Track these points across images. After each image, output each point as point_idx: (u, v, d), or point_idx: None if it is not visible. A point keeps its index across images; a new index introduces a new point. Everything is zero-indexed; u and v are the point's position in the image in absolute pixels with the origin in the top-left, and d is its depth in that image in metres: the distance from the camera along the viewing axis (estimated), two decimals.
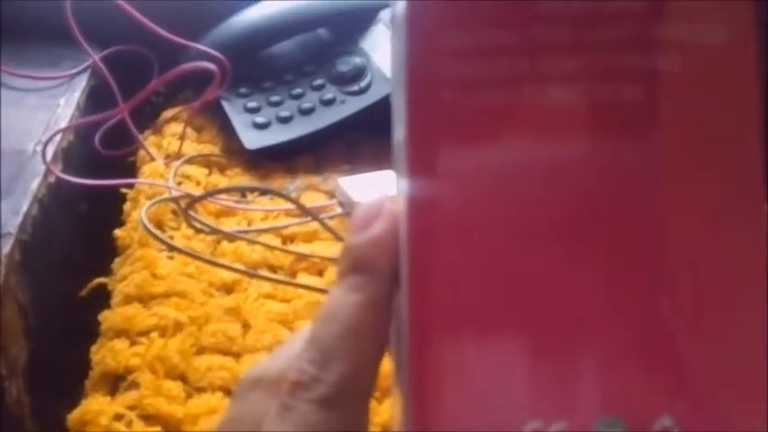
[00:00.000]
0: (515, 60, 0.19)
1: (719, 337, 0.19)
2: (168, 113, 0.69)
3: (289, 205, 0.57)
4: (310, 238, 0.56)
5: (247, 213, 0.58)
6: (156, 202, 0.56)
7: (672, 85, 0.19)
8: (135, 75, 0.69)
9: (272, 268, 0.53)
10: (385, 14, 0.70)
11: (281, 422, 0.21)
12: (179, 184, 0.61)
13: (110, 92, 0.69)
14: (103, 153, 0.66)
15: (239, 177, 0.63)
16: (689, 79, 0.19)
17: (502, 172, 0.19)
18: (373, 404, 0.41)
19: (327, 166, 0.64)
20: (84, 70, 0.73)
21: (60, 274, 0.60)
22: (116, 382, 0.45)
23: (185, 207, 0.54)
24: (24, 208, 0.56)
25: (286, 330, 0.48)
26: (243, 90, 0.68)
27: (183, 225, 0.55)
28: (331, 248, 0.54)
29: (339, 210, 0.57)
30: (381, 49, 0.69)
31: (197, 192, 0.60)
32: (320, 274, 0.54)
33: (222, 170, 0.64)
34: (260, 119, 0.66)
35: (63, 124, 0.66)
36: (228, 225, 0.57)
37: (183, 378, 0.45)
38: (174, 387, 0.44)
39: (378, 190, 0.22)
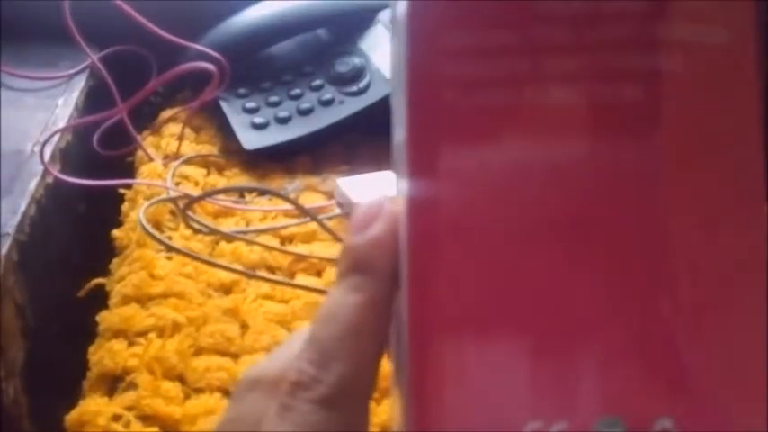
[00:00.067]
0: (516, 60, 0.19)
1: (719, 338, 0.19)
2: (167, 114, 0.69)
3: (287, 206, 0.57)
4: (309, 238, 0.56)
5: (246, 214, 0.58)
6: (155, 202, 0.56)
7: (672, 85, 0.19)
8: (133, 75, 0.69)
9: (271, 269, 0.53)
10: (384, 15, 0.70)
11: (280, 422, 0.21)
12: (177, 184, 0.60)
13: (108, 92, 0.69)
14: (102, 153, 0.65)
15: (238, 178, 0.63)
16: (689, 79, 0.19)
17: (502, 172, 0.19)
18: (372, 404, 0.41)
19: (326, 166, 0.64)
20: (83, 70, 0.73)
21: (58, 275, 0.60)
22: (114, 382, 0.45)
23: (183, 207, 0.54)
24: (22, 208, 0.56)
25: (284, 331, 0.48)
26: (241, 90, 0.68)
27: (182, 225, 0.55)
28: (330, 249, 0.54)
29: (338, 210, 0.57)
30: (380, 50, 0.69)
31: (195, 192, 0.60)
32: (319, 274, 0.54)
33: (220, 170, 0.64)
34: (258, 119, 0.66)
35: (61, 124, 0.65)
36: (227, 225, 0.57)
37: (181, 379, 0.45)
38: (173, 388, 0.44)
39: (377, 191, 0.22)
